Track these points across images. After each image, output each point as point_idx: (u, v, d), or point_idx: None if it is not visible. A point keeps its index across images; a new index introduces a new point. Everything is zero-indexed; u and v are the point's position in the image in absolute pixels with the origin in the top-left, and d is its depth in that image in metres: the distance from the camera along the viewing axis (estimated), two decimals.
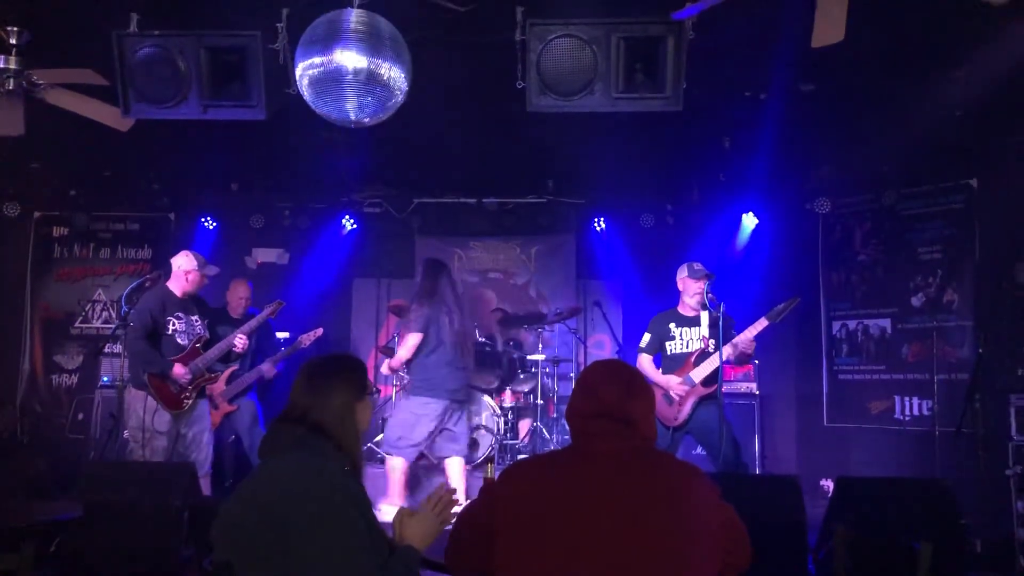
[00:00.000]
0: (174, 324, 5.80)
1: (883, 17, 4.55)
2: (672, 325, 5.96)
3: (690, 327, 5.91)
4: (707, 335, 5.79)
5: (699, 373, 5.70)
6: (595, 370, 2.31)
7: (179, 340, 5.80)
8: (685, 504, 2.06)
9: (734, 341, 5.66)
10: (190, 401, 5.76)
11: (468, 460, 7.06)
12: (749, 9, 4.13)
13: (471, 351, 6.36)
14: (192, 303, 6.00)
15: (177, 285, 5.90)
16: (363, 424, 2.43)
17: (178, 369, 5.68)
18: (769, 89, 5.80)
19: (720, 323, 5.51)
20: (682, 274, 5.97)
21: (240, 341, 6.11)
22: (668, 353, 5.98)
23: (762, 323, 5.62)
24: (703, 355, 5.75)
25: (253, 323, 6.35)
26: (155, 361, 5.65)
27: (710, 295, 5.70)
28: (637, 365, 5.95)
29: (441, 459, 6.26)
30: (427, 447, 6.19)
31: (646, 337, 6.07)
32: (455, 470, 6.14)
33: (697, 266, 5.91)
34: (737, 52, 5.15)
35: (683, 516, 2.04)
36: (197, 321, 5.97)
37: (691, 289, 5.90)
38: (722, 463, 5.46)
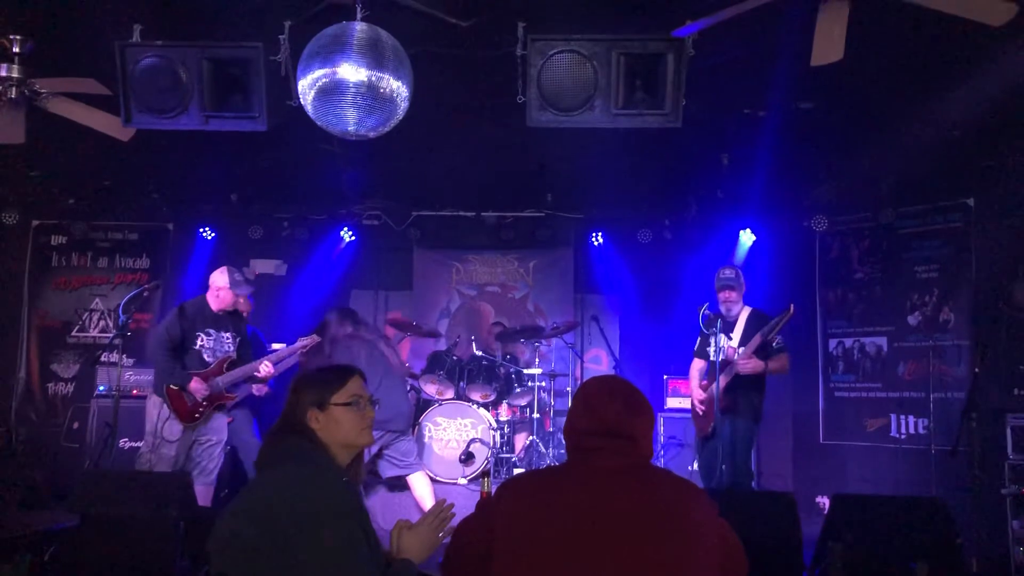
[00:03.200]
0: (202, 340, 5.78)
1: (882, 37, 4.58)
2: (712, 330, 5.89)
3: (725, 333, 5.87)
4: (737, 344, 5.76)
5: (721, 382, 5.67)
6: (594, 386, 2.31)
7: (205, 356, 5.78)
8: (683, 520, 2.06)
9: (734, 364, 5.63)
10: (201, 417, 5.73)
11: (463, 474, 7.10)
12: (749, 27, 4.15)
13: (400, 380, 6.61)
14: (227, 319, 5.94)
15: (212, 300, 5.87)
16: (336, 435, 2.38)
17: (195, 384, 5.64)
18: (768, 107, 5.83)
19: (716, 340, 5.50)
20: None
21: (265, 369, 6.02)
22: (710, 358, 5.91)
23: (756, 340, 5.60)
24: (726, 364, 5.72)
25: (284, 353, 6.28)
26: (173, 374, 5.64)
27: (706, 312, 5.70)
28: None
29: (391, 478, 6.56)
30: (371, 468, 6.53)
31: (698, 340, 6.15)
32: (418, 484, 6.38)
33: (723, 273, 5.95)
34: (736, 70, 5.17)
35: (681, 532, 2.04)
36: (228, 338, 5.91)
37: (719, 298, 5.94)
38: (730, 474, 5.46)
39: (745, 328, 5.83)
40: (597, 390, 2.27)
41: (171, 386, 5.62)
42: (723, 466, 5.47)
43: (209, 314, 5.84)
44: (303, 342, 6.28)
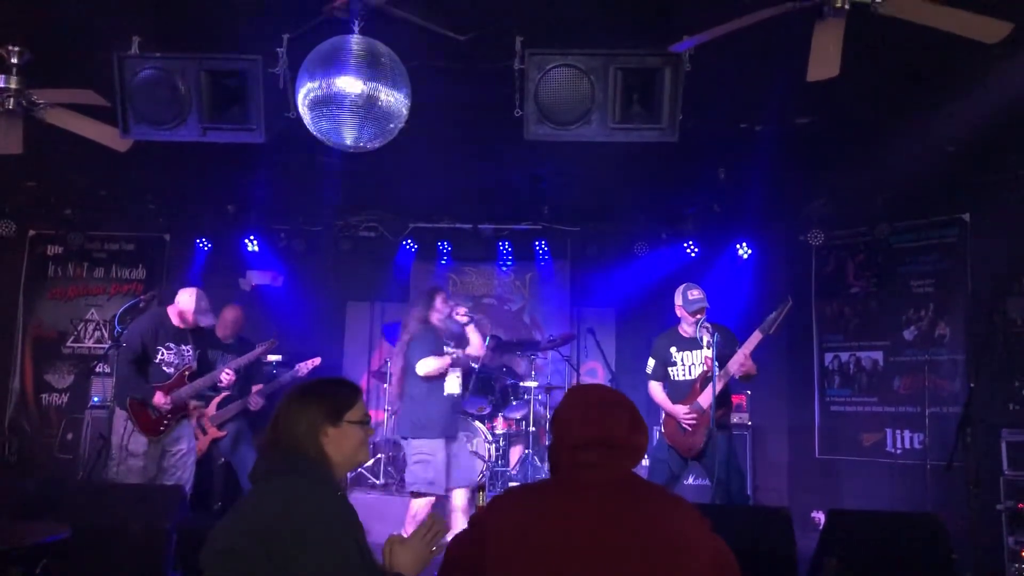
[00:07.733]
0: (163, 353, 5.85)
1: (878, 53, 4.60)
2: (673, 349, 5.86)
3: (691, 350, 5.81)
4: (710, 355, 5.68)
5: (706, 398, 5.59)
6: (590, 396, 2.29)
7: (166, 369, 5.84)
8: (676, 535, 2.05)
9: (727, 367, 5.57)
10: (166, 429, 5.78)
11: None
12: (745, 43, 4.16)
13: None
14: (188, 333, 6.01)
15: (174, 315, 5.93)
16: (344, 451, 2.36)
17: (158, 397, 5.71)
18: (764, 121, 5.84)
19: (714, 353, 5.47)
20: (678, 300, 5.86)
21: (226, 377, 6.19)
22: (672, 379, 5.86)
23: (756, 337, 5.53)
24: (707, 379, 5.66)
25: (243, 360, 6.45)
26: (138, 387, 5.69)
27: (705, 324, 5.66)
28: (650, 393, 5.91)
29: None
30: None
31: (651, 363, 5.96)
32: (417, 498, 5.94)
33: (693, 296, 5.78)
34: (733, 85, 5.19)
35: (674, 547, 2.03)
36: (188, 351, 5.98)
37: (687, 320, 5.84)
38: (725, 494, 5.39)
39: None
40: (596, 399, 2.26)
41: (133, 399, 5.67)
42: (719, 480, 5.42)
43: (170, 328, 5.92)
44: (260, 348, 6.51)
